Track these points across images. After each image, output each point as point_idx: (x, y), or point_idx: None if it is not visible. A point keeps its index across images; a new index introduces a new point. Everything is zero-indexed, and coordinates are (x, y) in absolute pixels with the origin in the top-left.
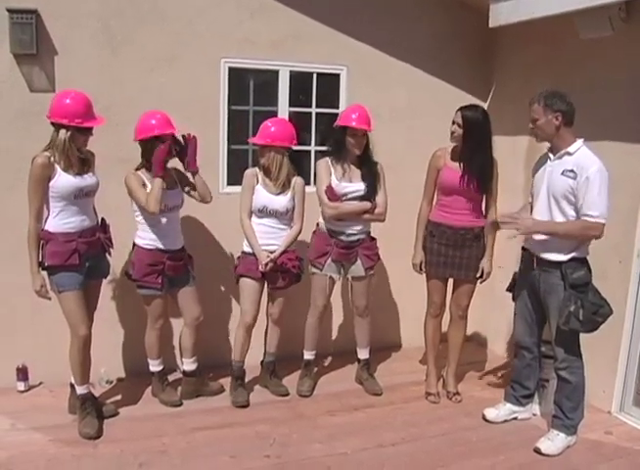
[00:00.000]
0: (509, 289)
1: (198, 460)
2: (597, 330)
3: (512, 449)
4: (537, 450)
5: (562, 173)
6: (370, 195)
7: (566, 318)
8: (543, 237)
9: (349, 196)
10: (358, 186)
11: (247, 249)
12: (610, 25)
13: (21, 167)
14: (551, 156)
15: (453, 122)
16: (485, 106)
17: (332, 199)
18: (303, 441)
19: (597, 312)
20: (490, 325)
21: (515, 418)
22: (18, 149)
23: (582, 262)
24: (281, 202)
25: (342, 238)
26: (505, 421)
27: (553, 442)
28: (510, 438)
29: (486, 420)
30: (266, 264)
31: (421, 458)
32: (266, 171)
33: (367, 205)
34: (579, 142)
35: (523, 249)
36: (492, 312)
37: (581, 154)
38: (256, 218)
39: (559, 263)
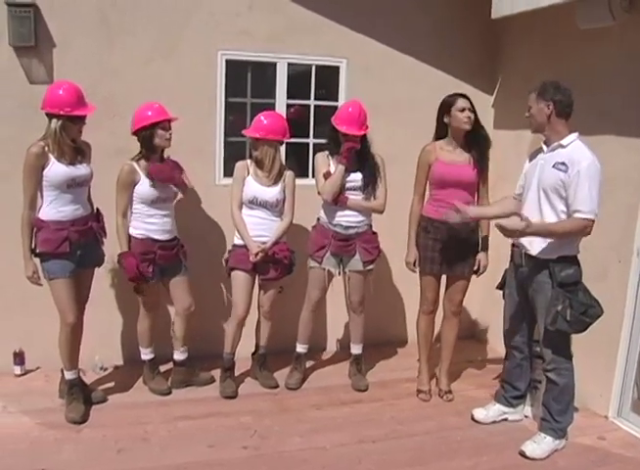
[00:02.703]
0: (499, 287)
1: (176, 449)
2: (586, 331)
3: (496, 451)
4: (522, 453)
5: (553, 166)
6: (367, 185)
7: (552, 318)
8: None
9: (347, 186)
10: (355, 176)
11: (237, 241)
12: (610, 15)
13: (20, 158)
14: (545, 148)
15: (463, 110)
16: (491, 100)
17: None
18: (284, 433)
19: (586, 312)
20: (492, 322)
21: (505, 419)
22: (17, 140)
23: (572, 261)
24: (271, 193)
25: (340, 230)
26: (494, 422)
27: (539, 445)
28: (496, 439)
29: (475, 420)
30: (257, 254)
31: (400, 456)
32: (259, 164)
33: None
34: (573, 135)
35: (513, 245)
36: (493, 308)
37: (574, 147)
38: (247, 210)
39: (547, 261)
